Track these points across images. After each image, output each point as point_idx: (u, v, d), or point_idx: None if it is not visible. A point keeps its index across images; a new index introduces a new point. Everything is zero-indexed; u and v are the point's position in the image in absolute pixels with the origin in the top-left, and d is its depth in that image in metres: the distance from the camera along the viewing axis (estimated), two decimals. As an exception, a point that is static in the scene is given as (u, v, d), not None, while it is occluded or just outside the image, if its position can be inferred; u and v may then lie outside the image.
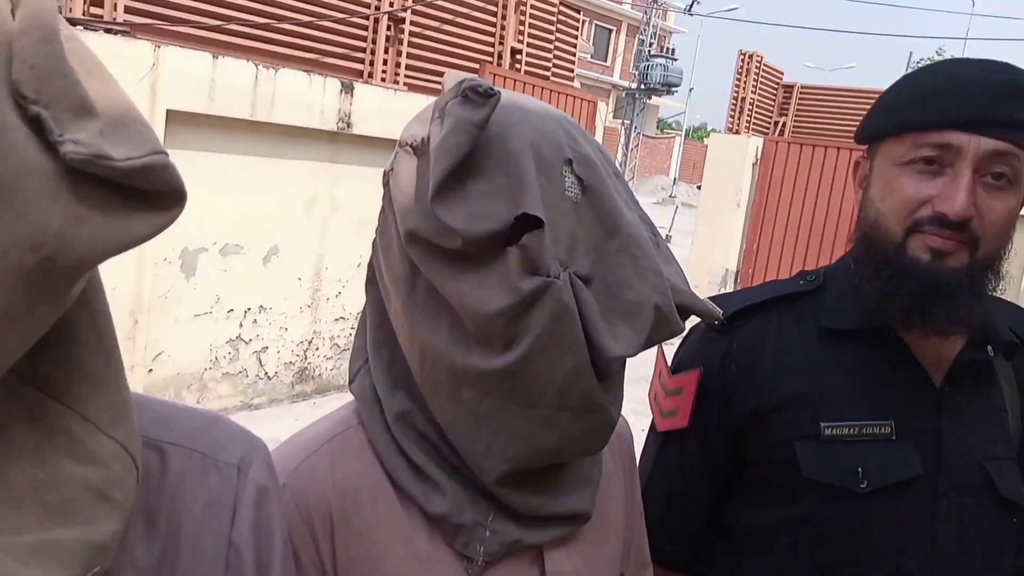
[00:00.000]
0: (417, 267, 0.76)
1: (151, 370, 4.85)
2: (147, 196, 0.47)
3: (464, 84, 0.71)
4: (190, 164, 4.83)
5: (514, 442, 0.75)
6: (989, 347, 1.13)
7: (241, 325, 5.27)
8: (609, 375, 0.75)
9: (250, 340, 5.34)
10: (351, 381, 0.87)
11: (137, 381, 4.67)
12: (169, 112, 4.58)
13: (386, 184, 0.81)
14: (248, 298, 5.27)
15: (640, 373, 1.14)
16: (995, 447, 1.12)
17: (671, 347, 1.09)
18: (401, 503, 0.80)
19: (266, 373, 5.50)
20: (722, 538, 1.21)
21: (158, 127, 4.53)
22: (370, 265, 0.86)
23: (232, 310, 5.20)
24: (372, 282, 0.87)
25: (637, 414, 1.74)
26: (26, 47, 0.42)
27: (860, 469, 1.07)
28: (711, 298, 1.20)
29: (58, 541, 0.46)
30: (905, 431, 1.08)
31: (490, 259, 0.72)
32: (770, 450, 1.13)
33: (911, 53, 29.39)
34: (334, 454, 0.81)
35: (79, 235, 0.43)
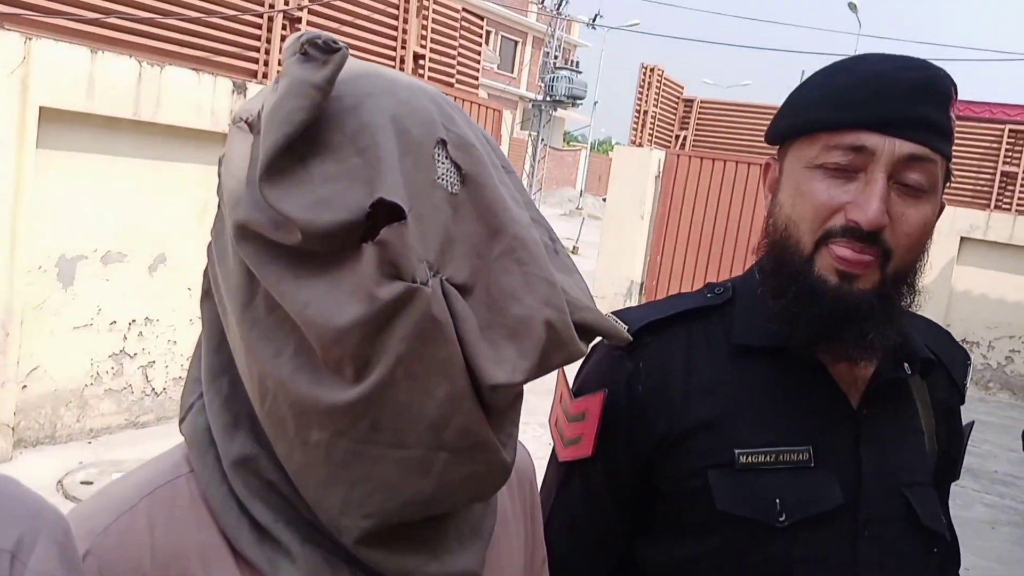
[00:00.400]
0: (253, 273, 0.60)
1: (25, 387, 4.49)
2: None
3: (302, 38, 0.57)
4: (66, 165, 4.51)
5: (378, 493, 0.60)
6: (906, 365, 1.07)
7: (125, 338, 4.96)
8: (497, 406, 0.61)
9: (135, 354, 5.03)
10: (181, 420, 0.69)
11: (9, 399, 4.32)
12: (42, 109, 4.26)
13: (219, 173, 0.65)
14: (133, 309, 4.96)
15: (546, 386, 1.01)
16: (913, 472, 1.06)
17: (572, 367, 0.97)
18: (241, 573, 0.63)
19: (153, 389, 5.19)
20: None
21: (30, 125, 4.20)
22: (205, 276, 0.69)
23: (115, 322, 4.89)
24: (208, 296, 0.70)
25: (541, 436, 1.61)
26: None
27: (778, 500, 0.98)
28: (614, 312, 1.08)
29: None
30: (824, 458, 1.00)
31: (340, 260, 0.57)
32: (682, 480, 1.03)
33: (803, 71, 30.58)
34: (154, 511, 0.64)
35: None
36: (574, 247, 12.60)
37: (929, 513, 1.04)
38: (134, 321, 4.99)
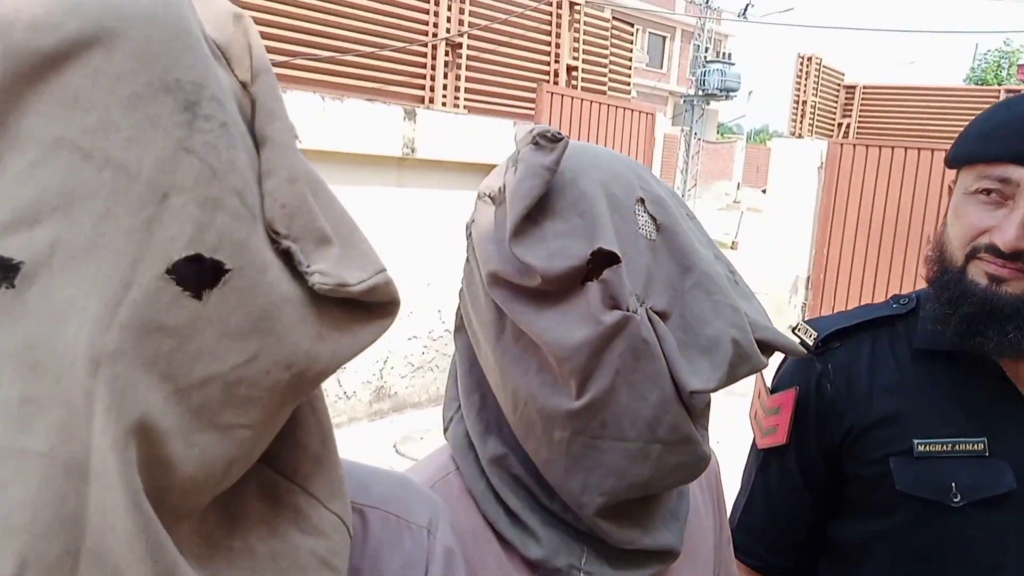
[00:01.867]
0: (502, 311, 0.78)
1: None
2: (371, 307, 0.54)
3: (534, 131, 0.76)
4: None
5: (609, 477, 0.77)
6: None
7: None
8: (695, 410, 0.76)
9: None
10: (445, 429, 0.90)
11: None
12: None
13: (469, 236, 0.85)
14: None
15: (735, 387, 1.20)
16: None
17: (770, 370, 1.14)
18: (502, 548, 0.82)
19: (345, 392, 5.65)
20: (823, 552, 1.25)
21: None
22: (458, 314, 0.89)
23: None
24: (460, 330, 0.89)
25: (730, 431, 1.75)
26: (276, 187, 0.48)
27: (953, 484, 1.10)
28: (807, 321, 1.27)
29: None
30: (998, 448, 1.11)
31: (570, 295, 0.74)
32: (866, 466, 1.16)
33: (976, 45, 28.48)
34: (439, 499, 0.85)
35: (322, 351, 0.50)
36: (733, 242, 12.37)
37: None
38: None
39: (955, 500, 1.10)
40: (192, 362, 0.43)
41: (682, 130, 26.28)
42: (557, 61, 6.88)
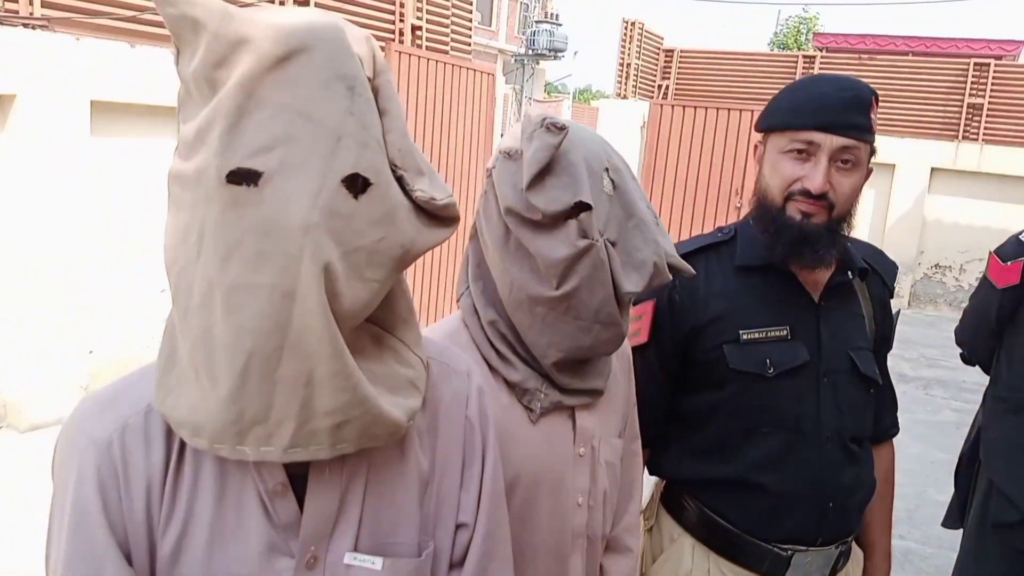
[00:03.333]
0: (510, 230, 1.20)
1: (92, 352, 5.00)
2: (442, 220, 0.88)
3: (546, 120, 1.17)
4: (121, 152, 4.99)
5: (566, 340, 1.20)
6: (849, 272, 1.63)
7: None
8: (623, 304, 1.19)
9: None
10: (458, 299, 1.33)
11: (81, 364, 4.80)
12: (93, 103, 4.73)
13: (489, 176, 1.26)
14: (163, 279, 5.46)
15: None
16: (856, 340, 1.63)
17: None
18: (492, 375, 1.26)
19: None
20: (675, 420, 1.67)
21: (83, 119, 4.69)
22: (473, 226, 1.31)
23: (164, 289, 5.40)
24: (474, 238, 1.32)
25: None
26: (395, 140, 0.83)
27: (768, 360, 1.54)
28: None
29: (398, 403, 0.86)
30: (796, 333, 1.57)
31: (558, 227, 1.16)
32: (706, 352, 1.59)
33: (779, 11, 30.66)
34: (453, 343, 1.25)
35: (419, 239, 0.84)
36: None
37: (866, 367, 1.62)
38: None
39: (770, 372, 1.54)
40: (353, 236, 0.79)
41: (513, 88, 26.79)
42: (402, 20, 7.06)
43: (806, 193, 1.48)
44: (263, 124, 0.74)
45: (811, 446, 1.53)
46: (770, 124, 1.56)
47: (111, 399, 0.88)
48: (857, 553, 1.75)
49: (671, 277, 1.22)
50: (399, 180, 0.83)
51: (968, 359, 2.83)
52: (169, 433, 0.86)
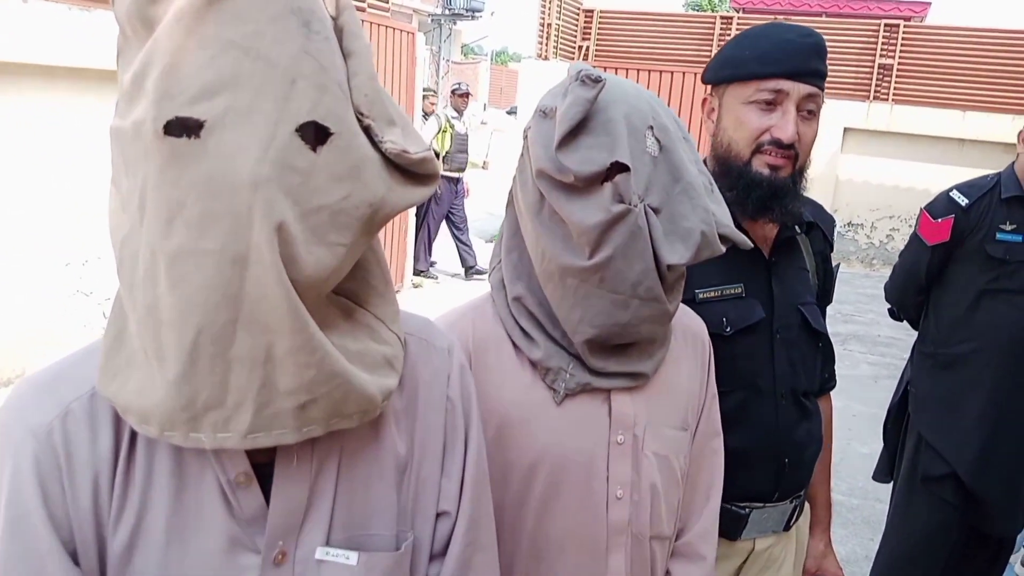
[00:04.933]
0: (543, 195, 1.10)
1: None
2: (418, 176, 0.78)
3: (582, 72, 1.06)
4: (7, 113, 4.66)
5: (599, 316, 1.10)
6: (796, 227, 1.61)
7: (80, 277, 5.18)
8: (668, 279, 1.10)
9: (91, 292, 5.26)
10: (489, 274, 1.25)
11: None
12: (-18, 61, 4.38)
13: (525, 137, 1.15)
14: (87, 248, 5.18)
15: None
16: (804, 296, 1.62)
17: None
18: (515, 352, 1.18)
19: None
20: None
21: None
22: (509, 193, 1.22)
23: (69, 263, 5.10)
24: (510, 205, 1.22)
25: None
26: (361, 84, 0.72)
27: (724, 318, 1.51)
28: None
29: (372, 381, 0.77)
30: (750, 290, 1.54)
31: (592, 190, 1.06)
32: None
33: (695, -28, 30.90)
34: (475, 319, 1.21)
35: (389, 197, 0.75)
36: (484, 163, 12.81)
37: (815, 320, 1.61)
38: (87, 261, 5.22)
39: (727, 330, 1.51)
40: (311, 194, 0.69)
41: (431, 50, 26.32)
42: (316, -23, 6.79)
43: (776, 143, 1.45)
44: (204, 65, 0.65)
45: (767, 403, 1.53)
46: (731, 75, 1.51)
47: (50, 382, 0.78)
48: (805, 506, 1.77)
49: (723, 249, 1.11)
50: (366, 130, 0.74)
51: (896, 315, 2.88)
52: (118, 419, 0.77)
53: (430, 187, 0.80)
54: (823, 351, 1.69)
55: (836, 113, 11.19)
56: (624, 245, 1.05)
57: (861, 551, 3.73)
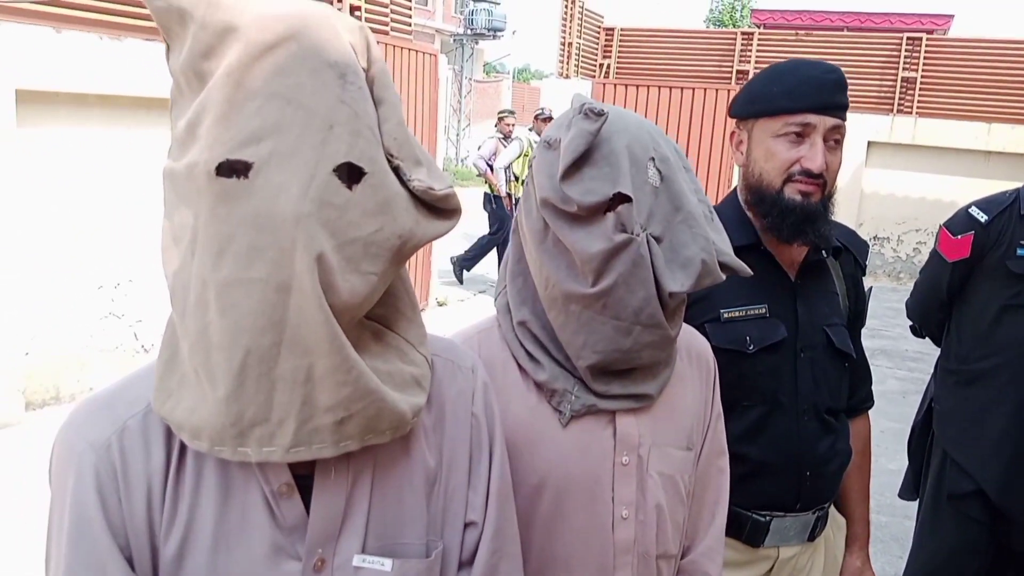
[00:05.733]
0: (548, 224, 1.14)
1: (27, 353, 4.82)
2: (442, 211, 0.85)
3: (585, 105, 1.11)
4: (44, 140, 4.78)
5: (602, 342, 1.14)
6: (824, 251, 1.67)
7: (112, 300, 5.27)
8: (670, 306, 1.13)
9: (123, 315, 5.35)
10: (495, 299, 1.29)
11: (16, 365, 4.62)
12: (19, 92, 4.51)
13: (530, 167, 1.20)
14: (117, 272, 5.28)
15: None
16: (831, 317, 1.67)
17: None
18: (520, 374, 1.21)
19: (143, 347, 5.54)
20: None
21: (8, 109, 4.47)
22: (515, 220, 1.26)
23: (102, 287, 5.21)
24: (515, 232, 1.26)
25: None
26: (391, 129, 0.80)
27: (747, 337, 1.57)
28: None
29: (402, 399, 0.83)
30: (774, 311, 1.60)
31: (595, 220, 1.10)
32: None
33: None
34: (481, 341, 1.24)
35: (418, 230, 0.82)
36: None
37: (840, 341, 1.66)
38: (119, 284, 5.32)
39: (750, 348, 1.56)
40: (347, 227, 0.76)
41: (452, 69, 26.57)
42: (340, 1, 6.91)
43: (806, 173, 1.53)
44: (252, 114, 0.73)
45: (789, 418, 1.59)
46: (761, 109, 1.59)
47: (108, 401, 0.86)
48: (839, 520, 1.82)
49: (723, 277, 1.15)
50: (395, 170, 0.81)
51: (919, 332, 2.88)
52: (169, 435, 0.84)
53: (453, 220, 0.87)
54: (853, 371, 1.74)
55: (860, 127, 11.15)
56: (626, 273, 1.09)
57: (891, 569, 3.71)
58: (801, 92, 1.53)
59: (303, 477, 0.85)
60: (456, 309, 8.22)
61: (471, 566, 0.97)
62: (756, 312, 1.58)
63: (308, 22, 0.76)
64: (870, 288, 1.86)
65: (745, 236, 1.60)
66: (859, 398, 1.83)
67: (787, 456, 1.58)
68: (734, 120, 1.66)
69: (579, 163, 1.10)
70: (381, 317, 0.87)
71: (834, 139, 1.55)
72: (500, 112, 8.98)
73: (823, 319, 1.65)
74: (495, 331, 1.26)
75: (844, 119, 1.56)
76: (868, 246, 1.85)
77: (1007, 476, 2.49)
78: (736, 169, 1.75)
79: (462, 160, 25.75)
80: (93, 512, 0.80)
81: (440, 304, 8.33)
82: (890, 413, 5.65)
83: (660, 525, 1.24)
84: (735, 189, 1.69)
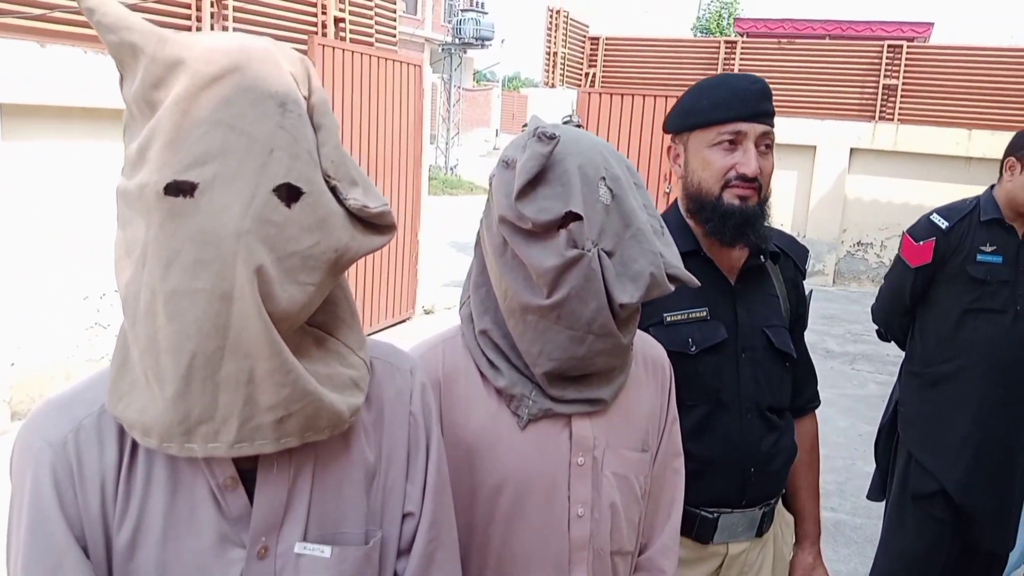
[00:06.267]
0: (506, 239, 1.21)
1: (13, 364, 4.84)
2: (378, 227, 0.92)
3: (538, 129, 1.18)
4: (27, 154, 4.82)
5: (557, 350, 1.21)
6: (762, 256, 1.75)
7: (98, 310, 5.30)
8: (621, 316, 1.20)
9: (108, 324, 5.39)
10: (460, 308, 1.35)
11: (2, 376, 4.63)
12: (3, 106, 4.55)
13: (490, 185, 1.27)
14: (102, 282, 5.32)
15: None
16: (770, 319, 1.75)
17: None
18: (481, 381, 1.28)
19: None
20: None
21: (-8, 120, 4.50)
22: (477, 233, 1.33)
23: (87, 297, 5.25)
24: (478, 245, 1.33)
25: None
26: (329, 152, 0.86)
27: (690, 339, 1.64)
28: None
29: (340, 399, 0.90)
30: (715, 313, 1.67)
31: (549, 236, 1.17)
32: None
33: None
34: (445, 349, 1.31)
35: (353, 245, 0.88)
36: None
37: (780, 341, 1.74)
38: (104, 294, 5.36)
39: (692, 349, 1.63)
40: (285, 242, 0.83)
41: (441, 78, 26.65)
42: (324, 12, 6.95)
43: (742, 177, 1.61)
44: (198, 139, 0.79)
45: (732, 416, 1.66)
46: (694, 123, 1.67)
47: (65, 403, 0.92)
48: (787, 516, 1.88)
49: (671, 288, 1.22)
50: (332, 190, 0.88)
51: (884, 336, 2.95)
52: (122, 433, 0.90)
53: (389, 235, 0.93)
54: (797, 371, 1.81)
55: (842, 134, 11.27)
56: (579, 286, 1.16)
57: (864, 570, 3.76)
58: (730, 103, 1.61)
59: (247, 471, 0.91)
60: (443, 317, 8.27)
61: (409, 554, 1.03)
62: (697, 315, 1.65)
63: (251, 55, 0.83)
64: (810, 291, 1.93)
65: (686, 243, 1.67)
66: (805, 398, 1.89)
67: (731, 453, 1.65)
68: (669, 135, 1.74)
69: (533, 183, 1.17)
70: (322, 324, 0.93)
71: (764, 144, 1.63)
72: (565, 118, 8.94)
73: (762, 321, 1.72)
74: (459, 339, 1.32)
75: (772, 126, 1.64)
76: (808, 251, 1.92)
77: (969, 476, 2.57)
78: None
79: (451, 169, 25.77)
80: (50, 505, 0.86)
81: (427, 312, 8.38)
82: (870, 417, 5.72)
83: (615, 523, 1.30)
84: (676, 201, 1.77)
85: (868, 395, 6.46)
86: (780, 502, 1.81)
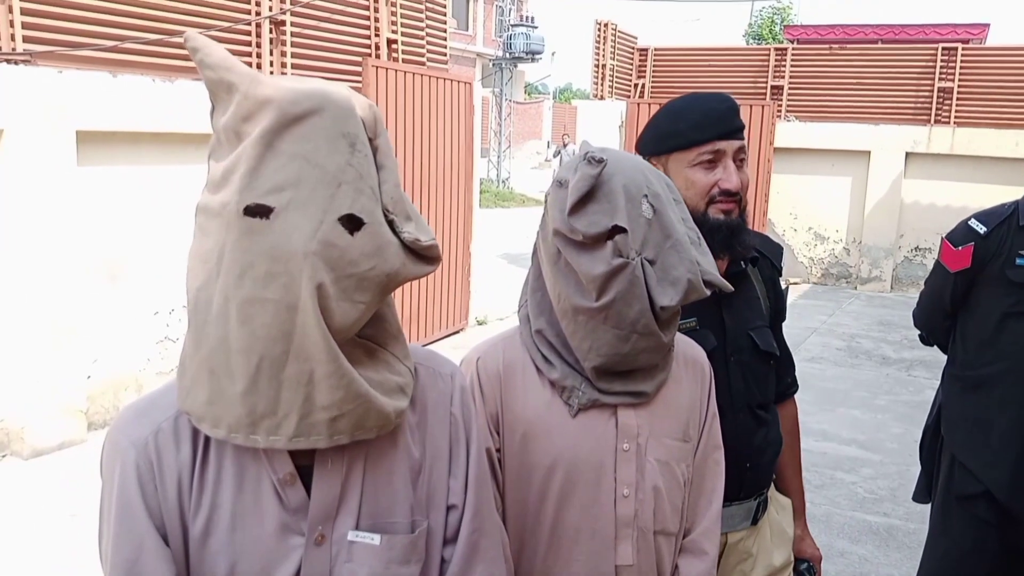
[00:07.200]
0: (559, 250, 1.38)
1: (89, 376, 5.09)
2: (426, 258, 1.03)
3: (588, 153, 1.35)
4: (104, 178, 5.10)
5: (605, 347, 1.37)
6: (743, 262, 1.86)
7: (167, 324, 5.54)
8: (662, 318, 1.35)
9: (178, 338, 5.63)
10: (519, 310, 1.53)
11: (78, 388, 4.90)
12: (79, 133, 4.84)
13: (545, 201, 1.44)
14: (172, 298, 5.58)
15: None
16: (754, 321, 1.87)
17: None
18: (537, 374, 1.44)
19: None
20: None
21: (69, 149, 4.80)
22: (534, 244, 1.49)
23: (158, 312, 5.51)
24: (535, 255, 1.50)
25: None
26: (389, 190, 0.99)
27: None
28: None
29: (388, 403, 1.01)
30: (703, 323, 1.78)
31: (597, 247, 1.33)
32: None
33: (752, 3, 30.87)
34: (505, 347, 1.48)
35: (403, 271, 1.00)
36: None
37: (764, 343, 1.86)
38: (173, 310, 5.61)
39: None
40: (346, 265, 0.95)
41: (493, 92, 26.90)
42: (377, 35, 7.18)
43: (726, 193, 1.72)
44: (278, 169, 0.91)
45: (726, 418, 1.73)
46: (674, 145, 1.77)
47: (145, 408, 1.05)
48: (781, 500, 2.02)
49: (707, 292, 1.36)
50: (390, 223, 0.99)
51: (926, 340, 2.98)
52: (195, 434, 1.02)
53: (435, 265, 1.05)
54: (773, 368, 1.93)
55: (897, 138, 11.11)
56: (624, 291, 1.31)
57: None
58: (707, 124, 1.72)
59: (305, 467, 1.02)
60: (495, 328, 8.40)
61: (455, 543, 1.14)
62: (688, 325, 1.75)
63: (330, 99, 0.94)
64: (786, 287, 2.04)
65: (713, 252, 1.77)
66: (784, 384, 2.02)
67: (728, 452, 1.71)
68: (649, 159, 1.83)
69: (584, 200, 1.33)
70: (372, 336, 1.06)
71: (740, 159, 1.74)
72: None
73: (747, 323, 1.84)
74: (517, 338, 1.50)
75: (743, 138, 1.74)
76: (782, 249, 2.03)
77: (1014, 477, 2.58)
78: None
79: (503, 182, 25.96)
80: (134, 497, 0.99)
81: (480, 323, 8.52)
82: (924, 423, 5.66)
83: (658, 504, 1.45)
84: None
85: (924, 401, 6.38)
86: (772, 487, 1.94)
